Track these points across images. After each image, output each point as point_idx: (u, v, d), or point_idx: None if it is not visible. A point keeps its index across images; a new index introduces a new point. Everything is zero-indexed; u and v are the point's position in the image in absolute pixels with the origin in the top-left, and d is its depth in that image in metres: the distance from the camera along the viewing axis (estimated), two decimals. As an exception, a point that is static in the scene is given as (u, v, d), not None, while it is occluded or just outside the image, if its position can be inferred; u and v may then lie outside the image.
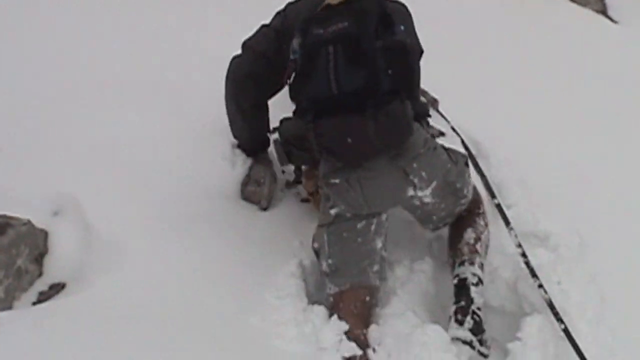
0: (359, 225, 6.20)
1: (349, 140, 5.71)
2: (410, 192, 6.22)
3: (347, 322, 5.89)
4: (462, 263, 6.40)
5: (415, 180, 6.15)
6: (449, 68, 8.13)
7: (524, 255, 6.70)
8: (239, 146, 7.12)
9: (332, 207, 6.07)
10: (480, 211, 6.81)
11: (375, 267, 6.24)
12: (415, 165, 6.10)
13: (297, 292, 6.21)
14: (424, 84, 7.74)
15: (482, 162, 7.31)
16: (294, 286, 6.23)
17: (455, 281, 6.36)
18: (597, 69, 8.59)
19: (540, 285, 6.45)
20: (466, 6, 9.35)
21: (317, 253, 6.28)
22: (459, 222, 6.72)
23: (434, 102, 7.89)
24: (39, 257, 6.28)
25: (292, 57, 5.84)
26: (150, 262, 6.28)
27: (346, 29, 5.78)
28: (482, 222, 6.72)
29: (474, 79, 8.11)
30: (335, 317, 5.94)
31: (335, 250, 6.11)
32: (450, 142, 7.47)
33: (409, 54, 5.95)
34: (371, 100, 5.74)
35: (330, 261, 6.11)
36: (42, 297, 6.15)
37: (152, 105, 7.41)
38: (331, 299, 6.09)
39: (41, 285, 6.23)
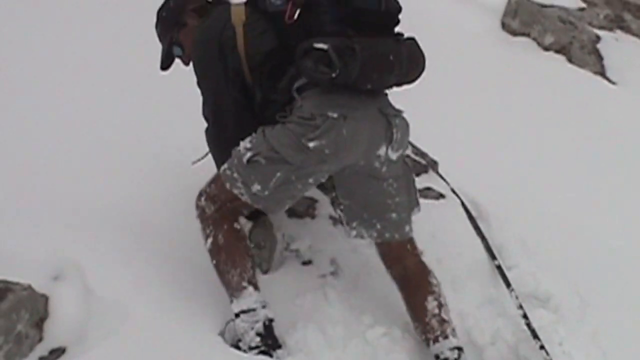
0: (310, 179, 6.22)
1: (391, 58, 5.76)
2: (383, 150, 6.23)
3: None
4: (436, 340, 6.29)
5: (393, 136, 6.23)
6: (449, 129, 8.19)
7: (525, 316, 6.69)
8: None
9: (313, 140, 5.88)
10: (428, 269, 6.65)
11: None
12: (397, 121, 6.28)
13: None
14: (423, 146, 7.83)
15: (482, 224, 7.32)
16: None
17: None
18: (595, 128, 8.63)
19: (542, 347, 6.43)
20: (466, 65, 9.36)
21: (249, 162, 6.12)
22: (415, 289, 6.57)
23: (434, 165, 7.90)
24: (40, 322, 6.25)
25: (277, 2, 5.84)
26: (150, 326, 6.30)
27: None
28: (434, 281, 6.58)
29: (473, 139, 8.14)
30: None
31: (273, 187, 6.13)
32: (449, 204, 7.49)
33: None
34: (394, 29, 5.96)
35: (265, 193, 6.13)
36: (44, 362, 6.08)
37: (142, 165, 7.39)
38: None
39: (41, 350, 6.20)
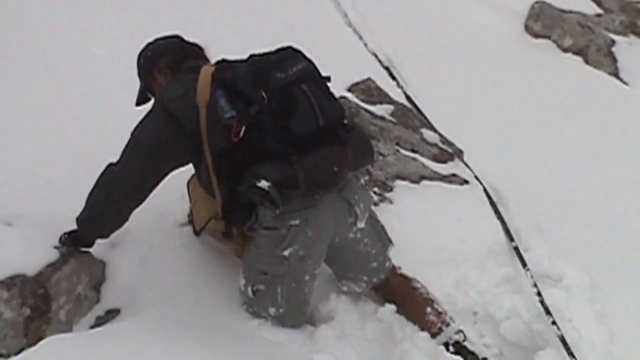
0: (307, 277, 6.19)
1: (335, 169, 5.74)
2: (351, 220, 6.24)
3: None
4: (439, 330, 6.35)
5: (357, 211, 6.21)
6: (475, 121, 8.18)
7: (539, 294, 6.70)
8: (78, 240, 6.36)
9: (285, 248, 5.88)
10: (410, 277, 6.74)
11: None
12: (356, 197, 6.20)
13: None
14: (450, 135, 7.84)
15: (502, 209, 7.32)
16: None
17: (451, 348, 6.28)
18: (608, 124, 8.65)
19: (554, 322, 6.44)
20: (492, 63, 9.35)
21: (254, 294, 6.20)
22: (406, 300, 6.62)
23: (459, 153, 7.91)
24: (97, 285, 6.40)
25: (226, 116, 5.62)
26: (192, 295, 6.42)
27: (308, 67, 5.83)
28: (418, 285, 6.67)
29: (496, 131, 8.15)
30: None
31: (285, 302, 6.13)
32: (473, 190, 7.51)
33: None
34: (340, 129, 5.84)
35: (281, 311, 6.15)
36: (99, 322, 6.24)
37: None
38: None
39: (98, 310, 6.35)
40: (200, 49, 6.42)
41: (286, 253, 5.90)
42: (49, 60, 8.13)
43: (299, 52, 5.96)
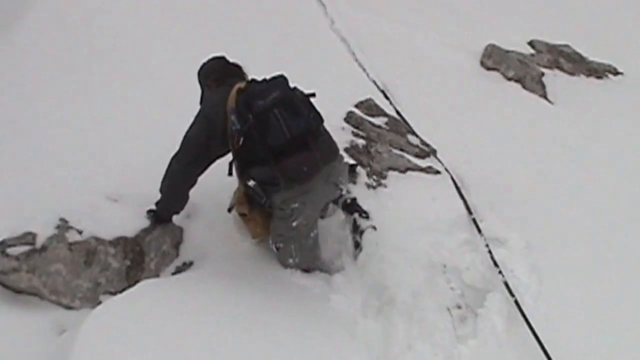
0: (312, 234, 6.44)
1: (305, 169, 5.85)
2: (339, 193, 6.55)
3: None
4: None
5: (342, 187, 6.46)
6: (444, 129, 8.25)
7: (489, 252, 6.81)
8: (159, 217, 6.62)
9: (294, 221, 6.12)
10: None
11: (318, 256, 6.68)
12: (341, 178, 6.36)
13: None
14: (427, 139, 7.90)
15: (464, 191, 7.35)
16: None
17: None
18: (539, 130, 8.73)
19: (500, 272, 6.60)
20: (457, 89, 9.37)
21: (278, 250, 6.42)
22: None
23: (434, 151, 7.94)
24: (177, 245, 6.55)
25: (234, 128, 5.81)
26: (247, 252, 6.57)
27: (280, 95, 5.85)
28: None
29: (460, 136, 8.20)
30: None
31: (300, 254, 6.38)
32: (443, 178, 7.64)
33: (310, 101, 6.04)
34: (309, 137, 5.89)
35: (297, 260, 6.41)
36: (178, 270, 6.42)
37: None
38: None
39: (177, 262, 6.50)
40: (239, 67, 6.47)
41: (294, 224, 6.15)
42: (135, 74, 8.13)
43: (283, 81, 6.04)
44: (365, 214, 7.00)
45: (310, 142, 5.91)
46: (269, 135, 5.75)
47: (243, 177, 6.14)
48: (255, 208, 6.38)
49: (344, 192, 6.75)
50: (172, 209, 6.52)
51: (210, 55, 6.51)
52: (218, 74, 6.38)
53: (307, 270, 6.50)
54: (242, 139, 5.81)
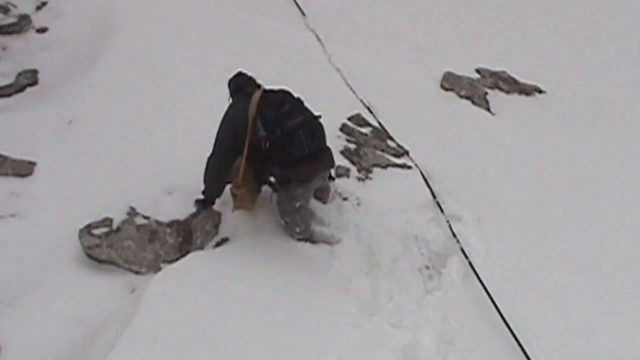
0: (310, 209, 6.50)
1: (312, 174, 6.06)
2: (326, 182, 6.68)
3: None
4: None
5: (331, 176, 6.72)
6: (413, 137, 8.19)
7: (450, 226, 6.73)
8: (205, 203, 6.64)
9: (297, 202, 6.15)
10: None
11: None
12: (331, 172, 6.63)
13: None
14: (402, 142, 7.83)
15: (430, 181, 7.27)
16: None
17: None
18: (482, 134, 8.70)
19: (458, 241, 6.56)
20: (421, 107, 9.32)
21: (287, 223, 6.38)
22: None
23: (407, 152, 7.87)
24: (216, 225, 6.49)
25: (260, 133, 5.86)
26: (273, 229, 6.54)
27: (304, 120, 5.93)
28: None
29: (425, 141, 8.14)
30: None
31: (302, 223, 6.32)
32: (415, 172, 7.60)
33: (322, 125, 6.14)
34: (319, 152, 6.02)
35: (302, 227, 6.35)
36: (218, 244, 6.35)
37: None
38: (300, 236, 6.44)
39: (216, 239, 6.44)
40: (253, 79, 6.46)
41: (297, 205, 6.18)
42: (184, 98, 8.10)
43: (303, 107, 6.14)
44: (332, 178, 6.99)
45: (318, 155, 6.00)
46: (294, 148, 5.83)
47: (260, 171, 6.23)
48: (247, 188, 6.35)
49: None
50: (214, 194, 6.48)
51: (236, 71, 6.53)
52: (236, 86, 6.40)
53: (312, 241, 6.45)
54: (268, 143, 5.83)
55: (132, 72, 8.47)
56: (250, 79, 6.47)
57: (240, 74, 6.53)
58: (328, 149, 6.23)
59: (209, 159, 6.23)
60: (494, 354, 5.44)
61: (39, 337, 5.24)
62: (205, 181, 6.37)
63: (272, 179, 6.29)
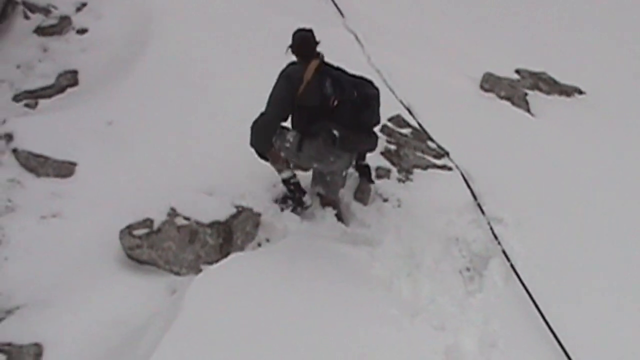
0: (343, 174, 6.64)
1: (360, 146, 6.39)
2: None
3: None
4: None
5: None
6: (454, 137, 8.18)
7: (491, 228, 6.69)
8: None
9: (332, 164, 6.29)
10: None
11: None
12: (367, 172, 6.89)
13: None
14: (443, 144, 7.80)
15: (471, 182, 7.25)
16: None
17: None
18: (524, 136, 8.67)
19: (499, 243, 6.52)
20: (462, 107, 9.29)
21: (329, 183, 6.61)
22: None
23: (447, 153, 7.84)
24: (256, 226, 6.48)
25: (329, 92, 5.94)
26: (311, 232, 6.54)
27: (377, 94, 6.23)
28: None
29: (465, 142, 8.11)
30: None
31: (340, 182, 6.67)
32: (455, 174, 7.60)
33: None
34: (372, 130, 6.28)
35: (326, 190, 6.65)
36: (258, 245, 6.41)
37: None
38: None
39: (257, 240, 6.46)
40: (315, 45, 6.22)
41: (332, 167, 6.37)
42: (225, 102, 8.06)
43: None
44: (370, 180, 7.09)
45: (371, 132, 6.23)
46: (366, 113, 6.09)
47: (314, 127, 6.13)
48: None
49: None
50: (261, 151, 6.48)
51: (303, 27, 6.34)
52: (303, 52, 6.19)
53: (352, 243, 6.48)
54: (336, 102, 5.94)
55: (170, 74, 8.50)
56: (314, 42, 6.26)
57: (308, 33, 6.29)
58: (376, 134, 6.34)
59: (260, 117, 6.21)
60: (537, 356, 5.42)
61: (80, 338, 5.24)
62: (252, 142, 6.36)
63: (332, 133, 6.06)
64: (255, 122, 6.22)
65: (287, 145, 6.28)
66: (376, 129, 6.43)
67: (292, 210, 6.71)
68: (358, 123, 6.03)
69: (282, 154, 6.40)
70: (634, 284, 6.26)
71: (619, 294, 6.11)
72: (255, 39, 9.44)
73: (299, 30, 6.23)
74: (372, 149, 6.49)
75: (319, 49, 6.20)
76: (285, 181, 6.67)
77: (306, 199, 6.76)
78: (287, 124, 6.33)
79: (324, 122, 6.00)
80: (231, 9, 10.33)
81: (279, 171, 6.59)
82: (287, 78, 6.09)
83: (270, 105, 6.13)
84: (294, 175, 6.68)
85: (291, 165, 6.62)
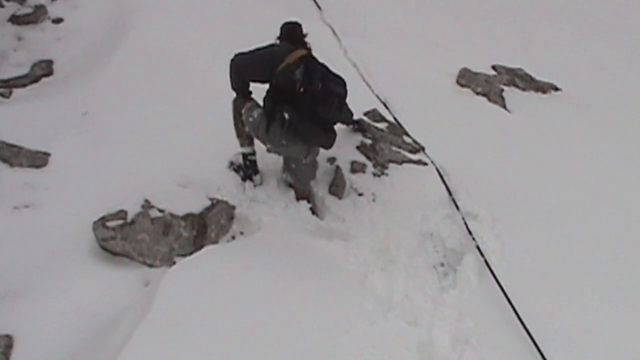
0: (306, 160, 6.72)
1: (313, 140, 6.36)
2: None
3: None
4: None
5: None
6: (430, 132, 8.15)
7: (465, 224, 6.67)
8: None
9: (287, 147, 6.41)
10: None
11: None
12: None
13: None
14: (418, 139, 7.80)
15: (445, 178, 7.26)
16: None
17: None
18: (499, 132, 8.73)
19: (473, 239, 6.49)
20: (438, 102, 9.35)
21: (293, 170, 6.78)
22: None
23: (422, 148, 7.86)
24: (230, 219, 6.48)
25: (297, 78, 6.01)
26: (286, 226, 6.51)
27: (342, 94, 6.24)
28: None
29: (440, 137, 8.12)
30: None
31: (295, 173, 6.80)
32: (430, 168, 7.58)
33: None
34: (330, 128, 6.35)
35: (290, 176, 6.84)
36: (232, 238, 6.44)
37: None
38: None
39: (231, 232, 6.46)
40: (304, 37, 6.58)
41: (284, 142, 6.33)
42: (203, 93, 8.07)
43: (343, 84, 6.29)
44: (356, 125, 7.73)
45: (328, 130, 6.29)
46: (323, 108, 6.08)
47: (276, 108, 6.21)
48: None
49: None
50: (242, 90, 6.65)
51: (292, 19, 6.67)
52: (291, 37, 6.49)
53: (327, 237, 6.50)
54: (302, 89, 5.98)
55: (146, 65, 8.49)
56: (302, 35, 6.57)
57: (296, 25, 6.59)
58: (335, 133, 6.36)
59: (236, 56, 6.40)
60: (510, 353, 5.41)
61: (52, 329, 5.21)
62: (232, 85, 6.59)
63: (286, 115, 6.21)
64: (231, 61, 6.41)
65: (251, 120, 6.42)
66: (351, 128, 6.80)
67: (242, 180, 6.90)
68: (316, 116, 6.09)
69: (246, 129, 6.57)
70: (609, 280, 6.26)
71: (593, 290, 6.10)
72: (234, 30, 9.43)
73: (287, 22, 6.54)
74: (325, 146, 6.50)
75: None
76: (244, 155, 6.87)
77: (256, 178, 6.93)
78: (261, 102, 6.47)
79: (285, 106, 6.11)
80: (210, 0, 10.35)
81: (241, 145, 6.81)
82: (272, 52, 6.32)
83: (248, 54, 6.34)
84: (253, 153, 6.89)
85: (254, 143, 6.81)
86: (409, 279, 6.10)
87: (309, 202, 6.87)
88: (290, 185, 6.94)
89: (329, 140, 6.33)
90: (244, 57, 6.31)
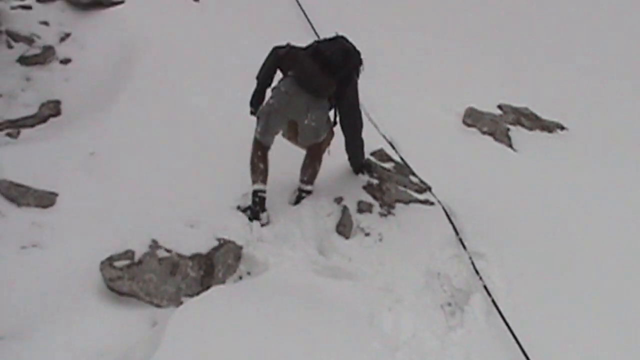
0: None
1: (309, 73, 6.73)
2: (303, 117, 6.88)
3: None
4: (301, 180, 7.25)
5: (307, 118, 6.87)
6: (436, 172, 8.18)
7: (472, 263, 6.70)
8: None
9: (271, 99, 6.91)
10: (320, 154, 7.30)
11: None
12: (313, 116, 6.87)
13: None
14: (425, 178, 7.83)
15: (452, 218, 7.29)
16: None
17: (297, 192, 7.30)
18: (506, 169, 8.85)
19: (480, 278, 6.52)
20: (445, 141, 9.42)
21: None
22: (309, 156, 7.27)
23: (429, 187, 7.88)
24: (237, 259, 6.49)
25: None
26: (293, 267, 6.53)
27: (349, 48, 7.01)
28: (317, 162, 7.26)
29: (447, 176, 8.14)
30: None
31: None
32: (437, 208, 7.61)
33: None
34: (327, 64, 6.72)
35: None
36: (239, 278, 6.41)
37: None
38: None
39: (238, 273, 6.48)
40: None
41: (271, 101, 6.89)
42: (211, 134, 8.12)
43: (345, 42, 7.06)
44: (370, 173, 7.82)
45: (327, 73, 6.72)
46: (325, 45, 6.88)
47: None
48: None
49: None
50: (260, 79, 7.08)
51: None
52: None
53: (334, 276, 6.48)
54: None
55: (153, 105, 8.56)
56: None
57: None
58: (334, 85, 6.80)
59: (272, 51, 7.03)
60: (518, 393, 5.42)
61: (60, 369, 5.23)
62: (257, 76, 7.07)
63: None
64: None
65: (271, 101, 6.87)
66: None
67: (249, 219, 6.89)
68: (319, 53, 6.72)
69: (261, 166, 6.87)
70: (618, 318, 6.28)
71: (602, 328, 6.12)
72: (239, 71, 9.48)
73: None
74: (320, 91, 6.81)
75: None
76: (254, 192, 6.91)
77: (263, 216, 6.94)
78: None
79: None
80: (215, 35, 10.58)
81: (254, 182, 6.90)
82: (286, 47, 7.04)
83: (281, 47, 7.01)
84: (264, 191, 6.95)
85: (267, 180, 6.98)
86: (416, 318, 6.09)
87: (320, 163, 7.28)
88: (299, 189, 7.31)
89: (327, 85, 6.73)
90: (274, 51, 7.00)
